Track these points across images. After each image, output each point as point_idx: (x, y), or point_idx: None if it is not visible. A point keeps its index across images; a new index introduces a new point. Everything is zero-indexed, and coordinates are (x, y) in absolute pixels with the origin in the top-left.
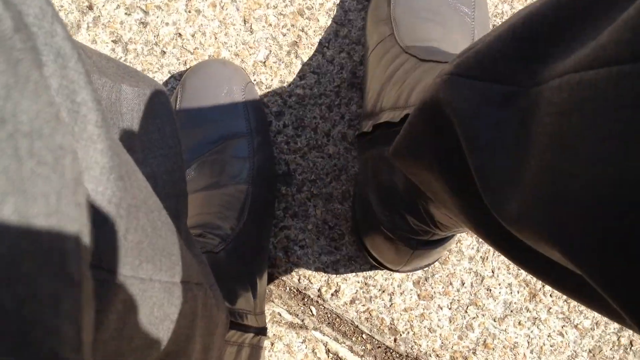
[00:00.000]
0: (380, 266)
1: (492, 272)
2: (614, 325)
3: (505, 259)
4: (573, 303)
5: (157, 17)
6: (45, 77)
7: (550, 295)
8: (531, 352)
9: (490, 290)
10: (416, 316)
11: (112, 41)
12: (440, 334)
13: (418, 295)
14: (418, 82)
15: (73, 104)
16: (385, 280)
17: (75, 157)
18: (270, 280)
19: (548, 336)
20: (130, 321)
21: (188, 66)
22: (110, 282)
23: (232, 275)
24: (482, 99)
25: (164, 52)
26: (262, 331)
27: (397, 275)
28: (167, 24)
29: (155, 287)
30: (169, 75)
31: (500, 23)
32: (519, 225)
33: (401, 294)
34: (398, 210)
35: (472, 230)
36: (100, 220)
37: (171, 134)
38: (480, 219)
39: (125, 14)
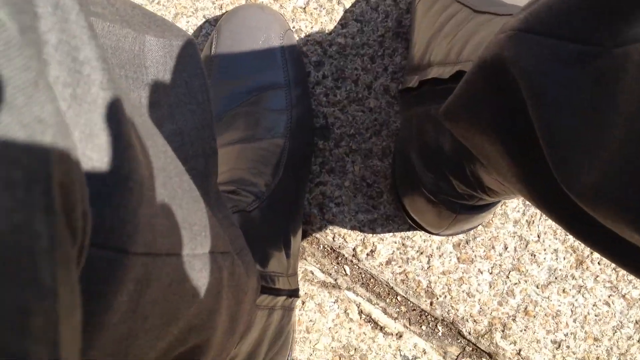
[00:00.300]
0: (419, 228)
1: (538, 236)
2: None
3: (554, 224)
4: (622, 272)
5: None
6: (42, 32)
7: (599, 263)
8: (574, 321)
9: (535, 255)
10: (455, 280)
11: None
12: (479, 299)
13: (458, 259)
14: (472, 35)
15: (75, 62)
16: (424, 241)
17: (60, 129)
18: (304, 237)
19: (593, 305)
20: (144, 301)
21: (224, 10)
22: (119, 262)
23: (265, 235)
24: (552, 56)
25: None
26: (294, 293)
27: (436, 237)
28: None
29: (172, 262)
30: (204, 19)
31: None
32: (592, 200)
33: (440, 256)
34: (443, 172)
35: (527, 198)
36: (105, 195)
37: (200, 88)
38: (539, 187)
39: None
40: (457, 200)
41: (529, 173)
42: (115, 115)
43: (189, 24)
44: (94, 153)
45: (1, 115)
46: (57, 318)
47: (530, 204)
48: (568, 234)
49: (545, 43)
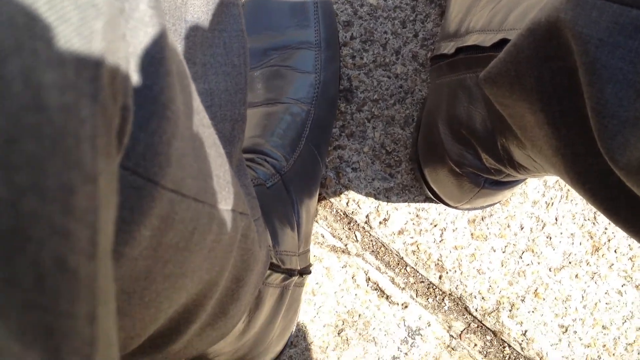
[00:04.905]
0: (438, 200)
1: (556, 219)
2: None
3: (573, 208)
4: (638, 261)
5: None
6: None
7: (615, 251)
8: (584, 307)
9: (551, 238)
10: (466, 255)
11: None
12: (490, 277)
13: (471, 235)
14: (517, 3)
15: None
16: (439, 214)
17: (111, 20)
18: (318, 200)
19: (605, 293)
20: (166, 242)
21: None
22: (148, 192)
23: (281, 211)
24: (614, 24)
25: None
26: (305, 271)
27: (452, 210)
28: None
29: (198, 209)
30: None
31: None
32: (637, 174)
33: (454, 230)
34: (471, 144)
35: (560, 174)
36: (141, 119)
37: (238, 51)
38: (578, 163)
39: None
40: (483, 174)
41: (568, 145)
42: (160, 38)
43: None
44: (134, 73)
45: None
46: (97, 203)
47: (562, 180)
48: (597, 212)
49: (606, 8)
